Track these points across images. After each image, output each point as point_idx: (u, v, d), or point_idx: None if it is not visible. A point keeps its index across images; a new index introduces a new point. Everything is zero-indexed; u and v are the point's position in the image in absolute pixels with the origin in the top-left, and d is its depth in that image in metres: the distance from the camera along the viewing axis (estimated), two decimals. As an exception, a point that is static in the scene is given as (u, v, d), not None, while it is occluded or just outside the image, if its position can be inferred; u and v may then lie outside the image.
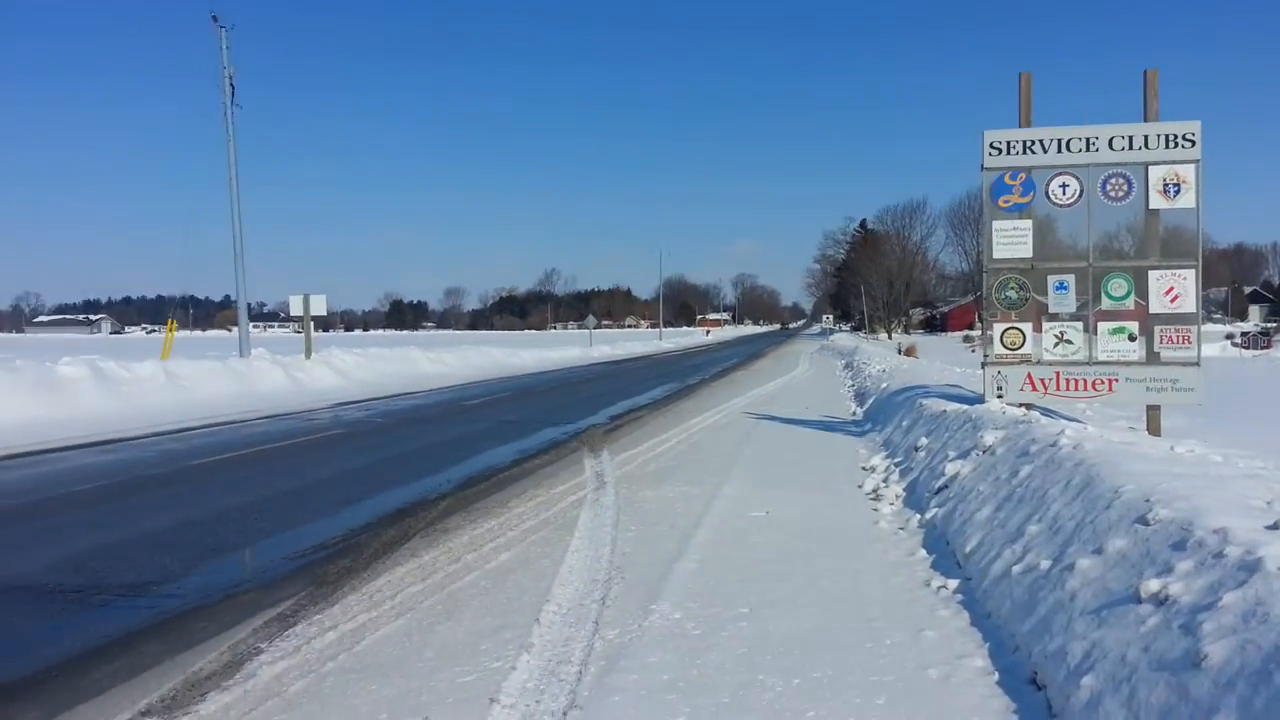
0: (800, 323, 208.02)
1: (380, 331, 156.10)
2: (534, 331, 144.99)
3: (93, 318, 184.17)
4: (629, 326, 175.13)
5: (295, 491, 9.08)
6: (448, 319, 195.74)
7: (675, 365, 37.32)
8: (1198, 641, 3.19)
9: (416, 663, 4.38)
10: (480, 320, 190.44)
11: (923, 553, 6.24)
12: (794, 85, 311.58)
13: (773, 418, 15.22)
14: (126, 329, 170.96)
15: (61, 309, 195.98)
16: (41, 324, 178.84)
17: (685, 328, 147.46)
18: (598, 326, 67.72)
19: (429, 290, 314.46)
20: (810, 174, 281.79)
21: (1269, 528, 3.83)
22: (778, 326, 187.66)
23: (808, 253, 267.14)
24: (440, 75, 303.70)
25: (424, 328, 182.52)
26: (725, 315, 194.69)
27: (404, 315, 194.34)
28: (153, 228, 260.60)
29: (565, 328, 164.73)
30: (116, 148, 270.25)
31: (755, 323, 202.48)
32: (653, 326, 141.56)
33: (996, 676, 4.05)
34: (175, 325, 27.12)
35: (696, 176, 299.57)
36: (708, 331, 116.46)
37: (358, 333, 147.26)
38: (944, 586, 5.37)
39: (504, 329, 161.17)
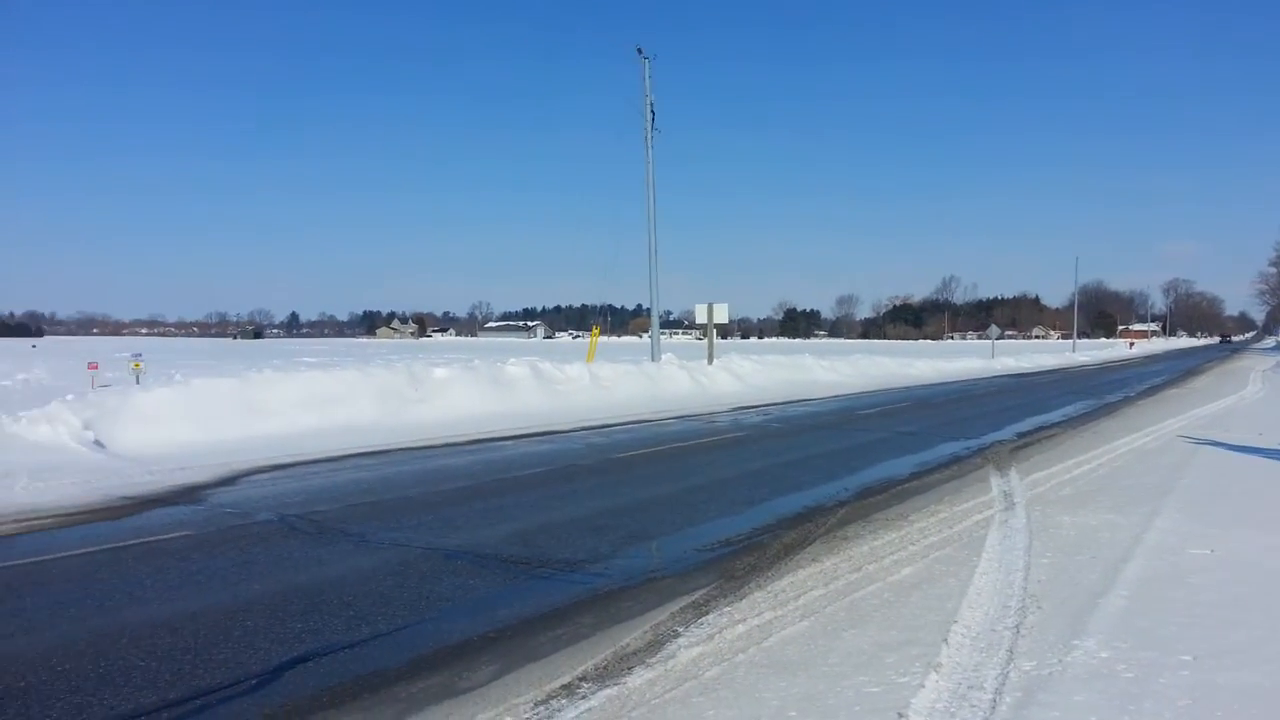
0: (1249, 335, 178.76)
1: (774, 339, 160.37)
2: (929, 341, 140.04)
3: (530, 324, 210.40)
4: (1036, 338, 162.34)
5: (702, 488, 9.66)
6: (839, 327, 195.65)
7: (1091, 380, 33.96)
8: None
9: (822, 666, 4.45)
10: (872, 329, 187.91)
11: None
12: (1242, 66, 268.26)
13: (1216, 443, 13.26)
14: (556, 334, 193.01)
15: (505, 315, 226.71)
16: (490, 329, 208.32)
17: (1103, 339, 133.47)
18: (1000, 337, 63.78)
19: (821, 298, 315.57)
20: (1265, 162, 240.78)
21: None
22: (1218, 339, 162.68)
23: (1260, 254, 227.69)
24: (830, 82, 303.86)
25: (816, 335, 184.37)
26: (1153, 325, 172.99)
27: (797, 323, 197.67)
28: (579, 241, 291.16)
29: (964, 338, 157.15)
30: (551, 169, 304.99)
31: (1191, 334, 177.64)
32: (1064, 338, 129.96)
33: None
34: (599, 331, 30.10)
35: (1120, 170, 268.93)
36: (1131, 344, 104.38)
37: (753, 340, 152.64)
38: None
39: (897, 338, 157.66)
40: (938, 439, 14.15)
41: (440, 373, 17.69)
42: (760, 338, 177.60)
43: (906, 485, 9.85)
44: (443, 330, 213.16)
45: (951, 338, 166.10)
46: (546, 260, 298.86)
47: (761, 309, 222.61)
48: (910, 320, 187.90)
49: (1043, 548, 6.79)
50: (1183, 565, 6.28)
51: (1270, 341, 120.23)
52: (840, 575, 6.11)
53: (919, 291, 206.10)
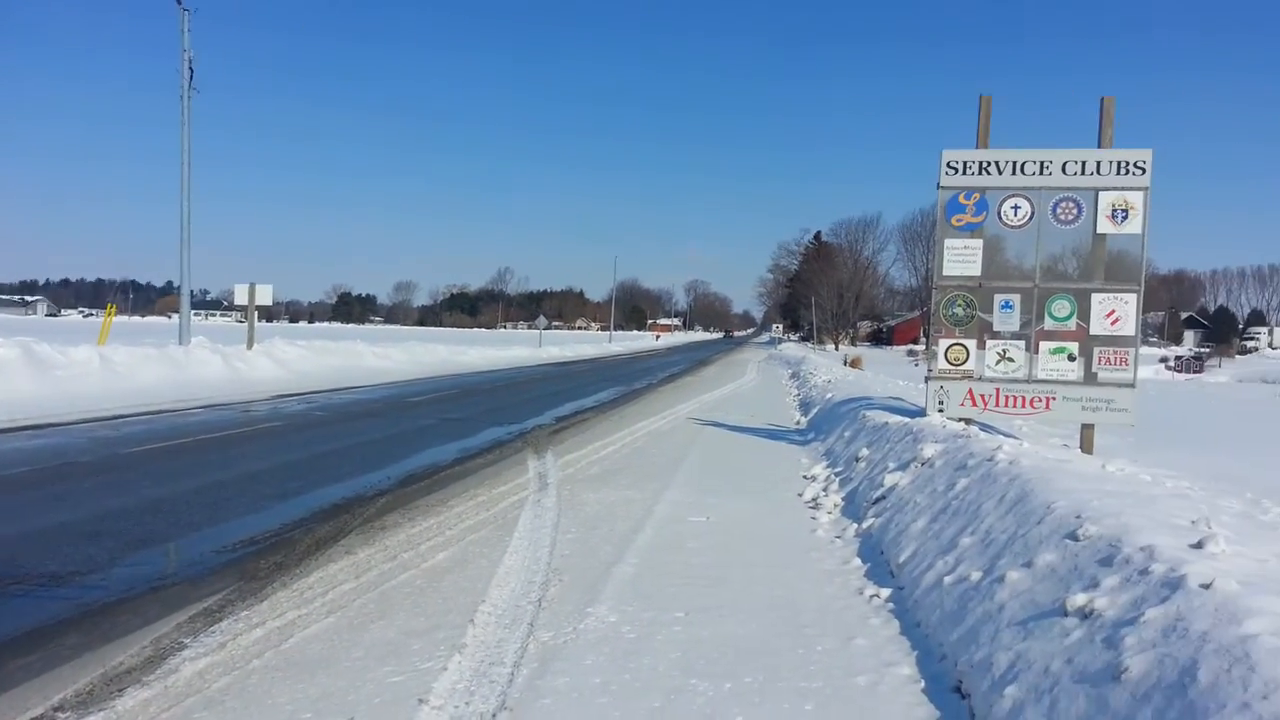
0: (749, 331, 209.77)
1: (326, 324, 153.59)
2: (484, 330, 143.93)
3: (29, 299, 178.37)
4: (579, 328, 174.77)
5: (229, 484, 8.89)
6: (396, 314, 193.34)
7: (623, 369, 37.34)
8: (1119, 655, 3.27)
9: (345, 662, 4.30)
10: (429, 316, 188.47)
11: (857, 561, 6.31)
12: (758, 91, 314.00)
13: (718, 424, 15.30)
14: (63, 312, 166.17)
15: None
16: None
17: (636, 332, 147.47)
18: (548, 327, 67.51)
19: (378, 284, 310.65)
20: (767, 183, 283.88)
21: (1193, 546, 3.94)
22: (722, 334, 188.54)
23: (761, 262, 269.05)
24: (395, 63, 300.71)
25: (372, 322, 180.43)
26: (676, 321, 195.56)
27: (351, 308, 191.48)
28: (95, 209, 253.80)
29: (515, 327, 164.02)
30: (61, 123, 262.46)
31: (706, 329, 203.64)
32: (603, 329, 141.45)
33: (923, 684, 4.11)
34: (114, 310, 26.36)
35: (654, 181, 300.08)
36: (658, 336, 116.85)
37: (303, 324, 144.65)
38: (876, 595, 5.43)
39: (453, 326, 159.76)
40: (483, 424, 14.55)
41: (-112, 354, 14.27)
42: (311, 322, 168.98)
43: (450, 471, 9.96)
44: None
45: (505, 327, 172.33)
46: (53, 228, 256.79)
47: (314, 292, 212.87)
48: (467, 309, 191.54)
49: (569, 524, 7.26)
50: (683, 532, 7.11)
51: (765, 337, 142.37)
52: (374, 566, 5.98)
53: (475, 281, 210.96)
